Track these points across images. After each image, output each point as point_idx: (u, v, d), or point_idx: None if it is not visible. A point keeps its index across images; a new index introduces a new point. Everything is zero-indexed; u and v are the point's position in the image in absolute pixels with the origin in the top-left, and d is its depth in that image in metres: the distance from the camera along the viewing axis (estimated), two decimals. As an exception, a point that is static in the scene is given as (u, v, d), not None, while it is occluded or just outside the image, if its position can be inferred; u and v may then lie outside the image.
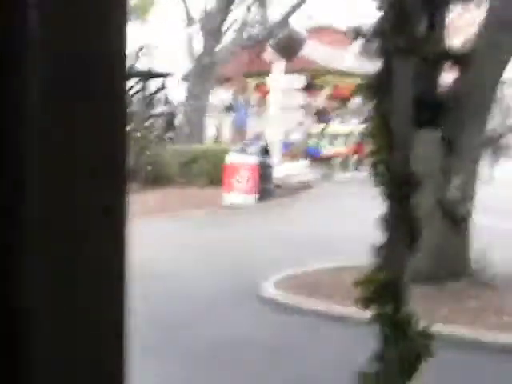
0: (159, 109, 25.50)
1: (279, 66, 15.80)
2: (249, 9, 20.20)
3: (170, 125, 21.75)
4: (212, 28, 18.46)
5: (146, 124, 16.84)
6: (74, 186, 0.47)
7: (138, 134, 15.33)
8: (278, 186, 15.03)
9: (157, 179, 15.40)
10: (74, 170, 0.47)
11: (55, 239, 0.47)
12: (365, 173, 12.20)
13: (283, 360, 5.09)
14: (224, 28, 19.42)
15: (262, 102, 20.46)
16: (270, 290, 6.87)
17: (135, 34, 42.19)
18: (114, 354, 0.51)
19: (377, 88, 2.57)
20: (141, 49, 22.51)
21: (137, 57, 22.32)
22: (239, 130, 17.47)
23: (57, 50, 0.46)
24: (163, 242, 9.79)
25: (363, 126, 13.81)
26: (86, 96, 0.48)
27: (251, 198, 13.29)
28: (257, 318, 6.17)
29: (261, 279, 7.16)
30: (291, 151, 20.23)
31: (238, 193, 13.19)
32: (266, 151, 14.55)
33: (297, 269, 7.71)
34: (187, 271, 7.95)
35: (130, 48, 30.13)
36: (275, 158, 15.44)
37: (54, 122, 0.46)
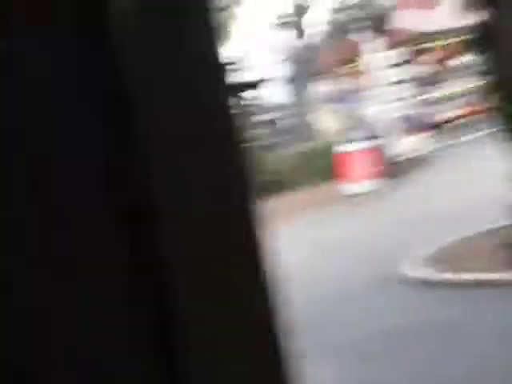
0: (260, 116, 25.77)
1: (375, 44, 15.50)
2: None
3: (273, 130, 21.87)
4: (297, 22, 18.41)
5: (250, 134, 16.98)
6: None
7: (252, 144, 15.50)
8: (397, 164, 14.66)
9: (272, 186, 15.43)
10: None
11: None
12: (485, 132, 11.61)
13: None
14: (314, 18, 19.29)
15: (364, 84, 20.05)
16: (413, 269, 6.75)
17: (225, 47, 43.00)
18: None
19: (486, 40, 2.47)
20: (232, 62, 22.88)
21: (229, 69, 22.70)
22: (347, 117, 17.22)
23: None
24: (300, 240, 9.80)
25: (475, 83, 13.13)
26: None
27: (370, 183, 13.03)
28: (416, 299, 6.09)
29: (402, 260, 7.05)
30: (406, 126, 19.68)
31: (356, 181, 12.98)
32: (377, 132, 14.25)
33: (435, 244, 7.49)
34: (324, 266, 7.94)
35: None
36: (389, 136, 15.08)
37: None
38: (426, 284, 6.35)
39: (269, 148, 20.76)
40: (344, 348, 5.11)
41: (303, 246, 9.43)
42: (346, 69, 19.50)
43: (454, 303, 5.70)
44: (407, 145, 15.60)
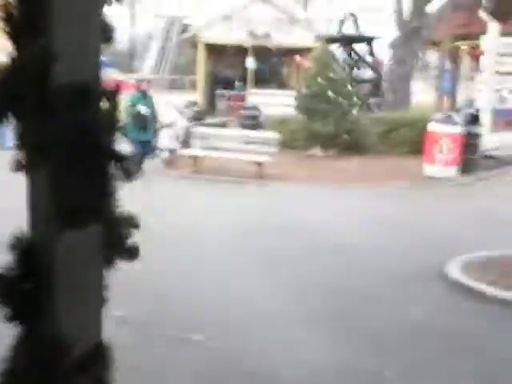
0: (365, 74, 25.21)
1: (494, 27, 14.55)
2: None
3: (375, 91, 21.41)
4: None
5: (350, 89, 16.66)
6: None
7: (340, 99, 15.26)
8: (489, 158, 14.06)
9: (356, 146, 15.28)
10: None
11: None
12: None
13: (464, 349, 4.77)
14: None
15: (474, 66, 19.12)
16: (455, 271, 6.47)
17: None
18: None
19: None
20: (347, 14, 22.33)
21: (343, 22, 22.21)
22: (446, 96, 16.52)
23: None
24: (355, 212, 9.76)
25: None
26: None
27: (454, 171, 12.58)
28: (437, 300, 5.86)
29: (450, 259, 6.79)
30: (507, 119, 18.73)
31: (440, 164, 12.55)
32: (474, 119, 13.60)
33: (493, 250, 7.16)
34: (371, 244, 7.82)
35: (337, 13, 30.06)
36: (486, 126, 14.39)
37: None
38: (466, 291, 6.09)
39: (366, 107, 20.46)
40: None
41: (358, 219, 9.32)
42: (462, 45, 18.59)
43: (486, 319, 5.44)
44: (504, 139, 14.84)
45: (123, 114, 12.92)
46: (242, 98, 28.60)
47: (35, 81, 1.57)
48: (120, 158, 1.66)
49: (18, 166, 1.57)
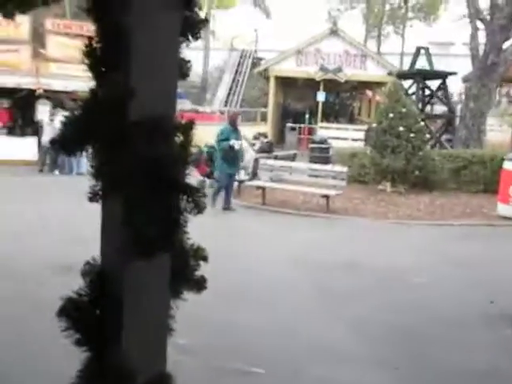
0: (438, 109, 24.79)
1: None
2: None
3: (448, 126, 20.99)
4: (500, 23, 17.18)
5: (422, 124, 16.44)
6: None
7: (412, 135, 15.06)
8: None
9: (426, 183, 14.99)
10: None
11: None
12: None
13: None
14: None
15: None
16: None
17: (421, 33, 41.55)
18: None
19: None
20: (420, 49, 22.11)
21: (416, 57, 22.00)
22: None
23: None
24: (423, 250, 9.53)
25: None
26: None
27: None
28: (509, 346, 5.61)
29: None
30: None
31: (515, 204, 12.13)
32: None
33: None
34: (441, 283, 7.59)
35: (410, 48, 29.84)
36: None
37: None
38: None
39: (438, 143, 20.10)
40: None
41: (427, 257, 9.08)
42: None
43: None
44: None
45: (216, 147, 13.23)
46: (312, 132, 28.70)
47: (112, 114, 1.63)
48: (191, 191, 1.69)
49: (93, 196, 1.63)
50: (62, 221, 10.06)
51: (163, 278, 1.74)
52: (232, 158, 12.45)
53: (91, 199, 1.64)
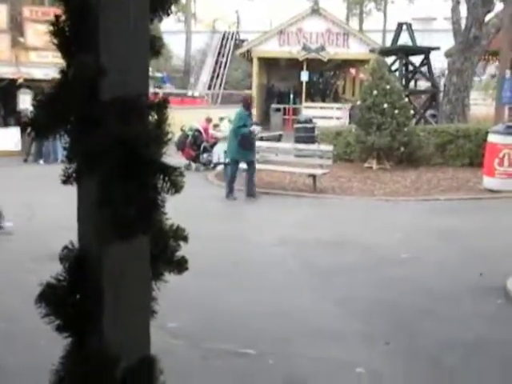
0: (422, 85, 24.80)
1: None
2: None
3: (432, 102, 21.00)
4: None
5: (406, 100, 16.43)
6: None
7: (396, 111, 15.05)
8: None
9: (412, 159, 15.03)
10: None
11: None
12: None
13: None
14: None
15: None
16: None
17: (403, 9, 41.44)
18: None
19: None
20: (402, 25, 22.01)
21: (398, 33, 21.92)
22: (505, 106, 16.07)
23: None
24: (410, 226, 9.57)
25: None
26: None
27: (513, 183, 12.19)
28: (499, 316, 5.65)
29: (509, 275, 6.54)
30: None
31: (499, 176, 12.18)
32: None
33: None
34: (429, 257, 7.63)
35: (392, 25, 29.74)
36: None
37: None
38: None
39: (422, 119, 20.12)
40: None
41: (413, 232, 9.12)
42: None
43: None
44: None
45: (228, 134, 12.55)
46: (297, 112, 28.62)
47: (84, 94, 1.59)
48: (168, 171, 1.66)
49: (67, 178, 1.59)
50: (47, 209, 9.99)
51: (143, 260, 1.71)
52: (250, 143, 12.07)
53: (65, 182, 1.61)
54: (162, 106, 1.74)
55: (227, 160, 12.73)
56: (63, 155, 1.54)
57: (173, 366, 2.07)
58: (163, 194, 1.66)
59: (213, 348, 4.87)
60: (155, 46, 1.80)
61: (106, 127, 1.58)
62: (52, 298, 1.61)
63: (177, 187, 1.66)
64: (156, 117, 1.71)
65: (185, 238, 1.80)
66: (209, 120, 17.73)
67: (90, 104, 1.59)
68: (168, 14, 1.81)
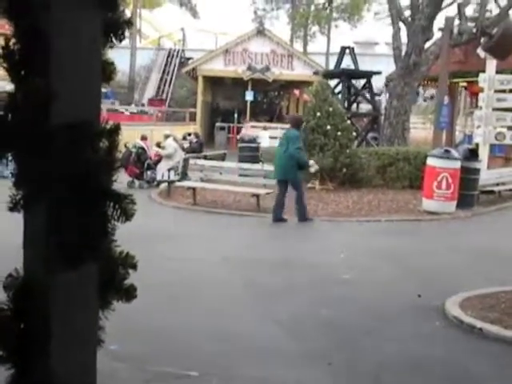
0: (363, 108, 25.38)
1: (492, 64, 14.72)
2: (463, 2, 19.04)
3: (373, 125, 21.52)
4: (420, 23, 17.72)
5: (348, 123, 16.77)
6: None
7: (339, 133, 15.33)
8: (488, 193, 14.09)
9: (354, 180, 15.29)
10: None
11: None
12: None
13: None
14: (433, 24, 18.54)
15: (472, 102, 19.27)
16: (455, 308, 6.40)
17: (345, 33, 42.37)
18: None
19: None
20: (345, 48, 22.57)
21: (341, 57, 22.44)
22: (443, 131, 16.62)
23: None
24: (352, 246, 9.71)
25: None
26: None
27: (451, 206, 12.55)
28: (437, 337, 5.79)
29: (449, 295, 6.72)
30: (505, 155, 18.87)
31: (437, 199, 12.53)
32: (472, 154, 13.65)
33: (493, 287, 7.10)
34: (370, 278, 7.76)
35: (335, 48, 30.40)
36: (484, 162, 14.44)
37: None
38: (461, 327, 6.01)
39: (364, 141, 20.58)
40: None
41: (354, 253, 9.27)
42: (460, 81, 18.79)
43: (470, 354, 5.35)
44: (502, 175, 14.90)
45: (279, 154, 11.74)
46: (241, 131, 28.76)
47: (33, 119, 1.56)
48: (118, 198, 1.64)
49: (14, 205, 1.55)
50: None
51: (91, 288, 1.68)
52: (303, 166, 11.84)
53: (12, 209, 1.56)
54: (112, 131, 1.72)
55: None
56: (8, 172, 1.49)
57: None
58: (113, 222, 1.64)
59: (155, 370, 4.80)
60: (107, 71, 1.79)
61: (55, 153, 1.55)
62: (-5, 327, 1.56)
63: (127, 215, 1.64)
64: (107, 143, 1.69)
65: (134, 266, 1.78)
66: (144, 137, 17.53)
67: (40, 129, 1.56)
68: (120, 40, 1.81)
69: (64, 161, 1.56)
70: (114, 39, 1.79)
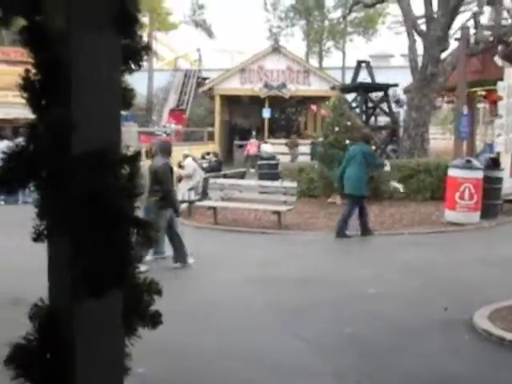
0: (381, 121, 25.29)
1: (510, 72, 14.63)
2: (478, 11, 18.98)
3: (392, 137, 21.40)
4: (436, 34, 17.68)
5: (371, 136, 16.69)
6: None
7: (358, 148, 15.27)
8: (510, 202, 13.93)
9: (375, 193, 15.18)
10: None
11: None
12: None
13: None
14: (450, 34, 18.49)
15: (492, 111, 19.11)
16: (483, 320, 6.29)
17: (361, 47, 42.29)
18: None
19: None
20: (361, 62, 22.56)
21: (357, 70, 22.43)
22: (463, 141, 16.49)
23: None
24: (376, 260, 9.63)
25: None
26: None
27: (474, 216, 12.41)
28: (467, 351, 5.68)
29: (477, 308, 6.61)
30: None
31: (460, 210, 12.39)
32: (494, 164, 13.52)
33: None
34: (396, 292, 7.67)
35: (350, 62, 30.42)
36: (506, 170, 14.27)
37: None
38: (489, 338, 5.90)
39: (383, 154, 20.46)
40: None
41: (379, 267, 9.18)
42: (478, 90, 18.66)
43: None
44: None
45: (354, 172, 11.56)
46: (259, 148, 28.80)
47: (55, 149, 1.57)
48: (141, 225, 1.64)
49: (38, 236, 1.55)
50: (7, 253, 9.74)
51: (116, 317, 1.67)
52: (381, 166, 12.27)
53: (36, 239, 1.57)
54: (133, 158, 1.72)
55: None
56: (24, 195, 1.49)
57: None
58: (137, 249, 1.64)
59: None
60: (127, 98, 1.80)
61: (77, 182, 1.55)
62: (22, 359, 1.55)
63: (150, 241, 1.64)
64: (128, 169, 1.69)
65: (159, 292, 1.77)
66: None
67: (61, 159, 1.57)
68: (140, 66, 1.82)
69: (85, 189, 1.56)
70: (132, 65, 1.80)
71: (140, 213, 9.04)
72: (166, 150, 9.25)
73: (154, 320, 1.77)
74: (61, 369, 1.58)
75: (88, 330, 1.61)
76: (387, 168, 12.88)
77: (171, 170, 9.14)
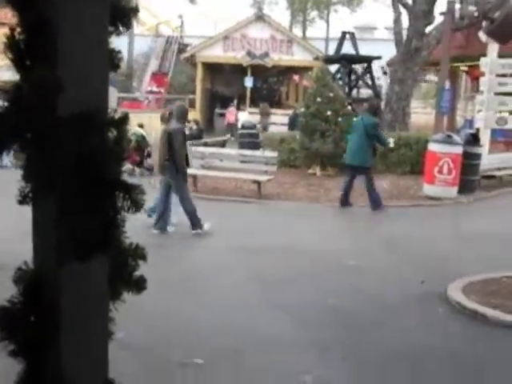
0: (364, 93, 25.28)
1: (494, 48, 14.61)
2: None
3: (374, 110, 21.43)
4: (422, 8, 17.61)
5: (349, 108, 16.72)
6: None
7: (340, 119, 15.29)
8: (489, 178, 14.07)
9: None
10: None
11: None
12: None
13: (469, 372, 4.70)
14: (435, 8, 18.41)
15: (473, 86, 19.18)
16: (457, 293, 6.40)
17: (344, 19, 42.16)
18: None
19: None
20: (345, 34, 22.43)
21: (341, 42, 22.31)
22: (444, 116, 16.55)
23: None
24: (354, 232, 9.71)
25: None
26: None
27: (452, 191, 12.54)
28: (440, 325, 5.79)
29: (451, 281, 6.72)
30: (506, 140, 18.80)
31: (439, 184, 12.51)
32: (474, 140, 13.61)
33: (495, 272, 7.10)
34: (374, 264, 7.76)
35: (334, 33, 30.20)
36: (485, 147, 14.39)
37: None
38: (465, 313, 6.02)
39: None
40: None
41: (360, 240, 9.26)
42: (461, 65, 18.68)
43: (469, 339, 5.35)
44: (503, 160, 14.85)
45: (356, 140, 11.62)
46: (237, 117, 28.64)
47: (40, 110, 1.53)
48: (128, 189, 1.62)
49: (23, 198, 1.53)
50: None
51: (101, 280, 1.67)
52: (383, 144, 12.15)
53: (21, 202, 1.54)
54: (121, 121, 1.70)
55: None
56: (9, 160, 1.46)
57: (118, 378, 2.01)
58: (123, 213, 1.62)
59: (160, 359, 4.81)
60: (115, 60, 1.76)
61: (63, 145, 1.53)
62: (6, 322, 1.54)
63: (137, 205, 1.62)
64: (115, 133, 1.66)
65: (143, 257, 1.76)
66: (140, 125, 17.41)
67: (47, 121, 1.53)
68: (128, 28, 1.78)
69: (72, 152, 1.54)
70: (120, 27, 1.76)
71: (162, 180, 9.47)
72: (182, 115, 9.29)
73: (139, 285, 1.77)
74: (45, 332, 1.58)
75: (73, 294, 1.60)
76: (391, 145, 12.88)
77: (184, 134, 9.22)
